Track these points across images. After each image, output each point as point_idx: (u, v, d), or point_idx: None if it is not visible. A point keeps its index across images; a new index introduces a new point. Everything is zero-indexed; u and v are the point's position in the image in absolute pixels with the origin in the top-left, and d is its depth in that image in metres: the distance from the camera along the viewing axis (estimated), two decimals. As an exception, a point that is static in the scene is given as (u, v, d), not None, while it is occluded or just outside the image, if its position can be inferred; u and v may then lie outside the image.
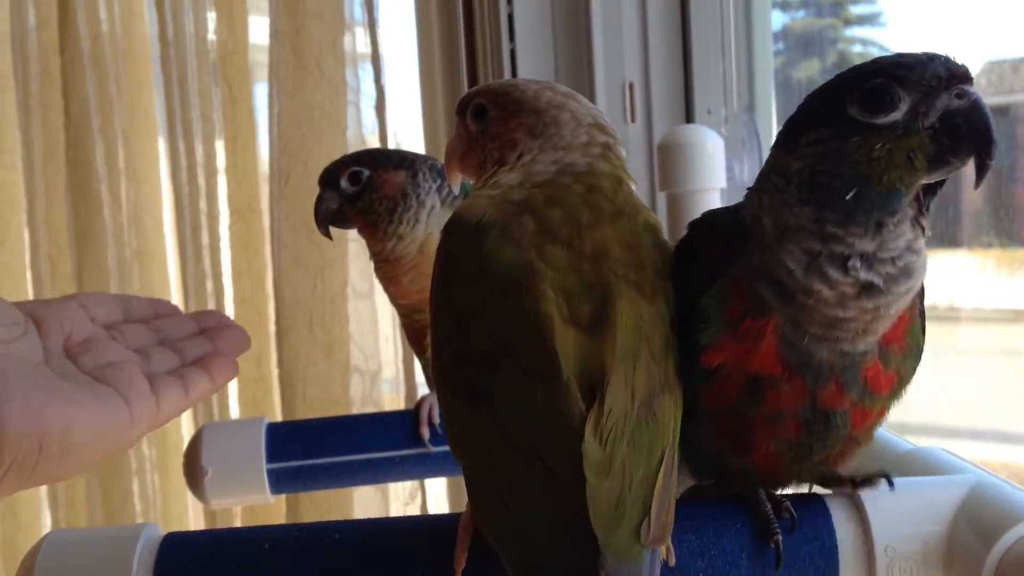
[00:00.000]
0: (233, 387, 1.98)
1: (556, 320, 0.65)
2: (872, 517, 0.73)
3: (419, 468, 1.12)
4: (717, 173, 1.29)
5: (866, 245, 0.65)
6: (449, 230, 0.73)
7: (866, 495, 0.74)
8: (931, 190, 0.67)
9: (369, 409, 1.87)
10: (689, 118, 1.52)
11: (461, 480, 1.72)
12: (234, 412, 1.98)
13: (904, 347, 0.71)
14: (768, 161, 0.71)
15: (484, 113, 0.79)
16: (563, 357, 0.65)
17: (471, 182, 0.83)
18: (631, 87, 1.53)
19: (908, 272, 0.66)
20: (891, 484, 0.73)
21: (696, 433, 0.73)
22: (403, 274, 1.10)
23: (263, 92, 1.98)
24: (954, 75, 0.64)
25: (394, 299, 1.15)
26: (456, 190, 0.87)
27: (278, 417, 1.93)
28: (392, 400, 1.96)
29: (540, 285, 0.67)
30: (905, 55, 0.65)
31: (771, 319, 0.67)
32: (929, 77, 0.64)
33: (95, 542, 0.72)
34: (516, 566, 0.65)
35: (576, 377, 0.65)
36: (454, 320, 0.69)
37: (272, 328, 1.98)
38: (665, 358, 0.69)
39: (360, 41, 1.81)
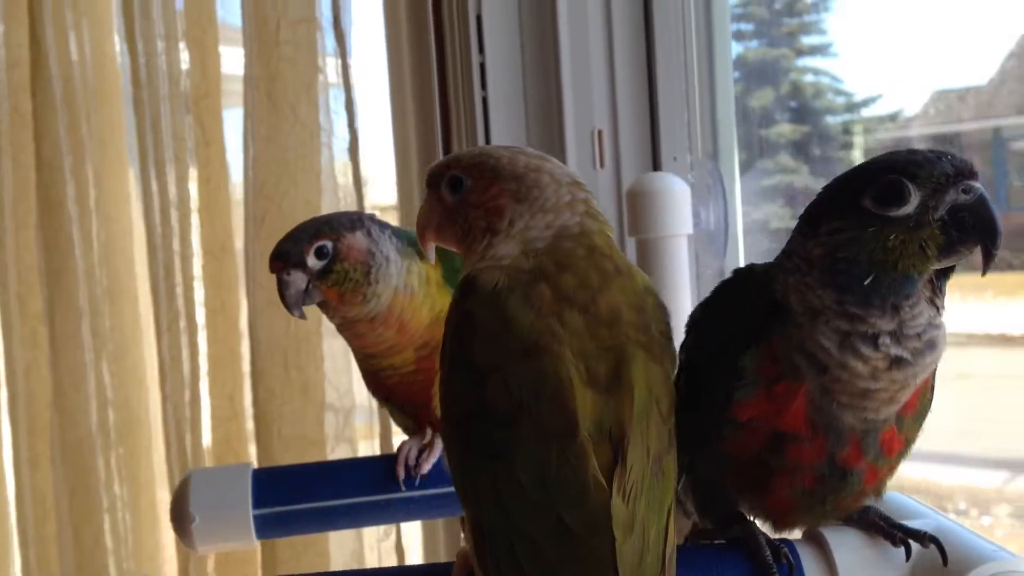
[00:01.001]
0: (207, 426, 2.00)
1: (575, 381, 0.70)
2: (839, 561, 0.78)
3: (402, 512, 1.15)
4: (684, 219, 1.34)
5: (886, 324, 0.71)
6: (464, 293, 0.76)
7: (831, 539, 0.79)
8: (943, 273, 0.73)
9: (343, 446, 1.89)
10: (656, 165, 1.57)
11: (436, 522, 1.75)
12: (208, 450, 1.99)
13: (916, 412, 0.77)
14: (790, 242, 0.77)
15: (459, 184, 0.81)
16: (581, 416, 0.69)
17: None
18: (600, 134, 1.57)
19: (932, 345, 0.73)
20: (943, 555, 0.76)
21: (712, 476, 0.78)
22: (372, 330, 1.11)
23: (235, 129, 2.02)
24: (960, 172, 0.70)
25: (356, 349, 1.16)
26: (431, 259, 0.89)
27: (253, 456, 1.95)
28: (365, 436, 1.98)
29: (559, 348, 0.71)
30: (916, 153, 0.72)
31: (803, 384, 0.73)
32: (938, 174, 0.70)
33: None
34: None
35: (592, 435, 0.70)
36: (471, 376, 0.72)
37: (246, 367, 2.00)
38: (669, 417, 0.74)
39: (333, 84, 1.85)
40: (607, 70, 1.58)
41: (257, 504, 1.11)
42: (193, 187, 1.97)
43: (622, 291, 0.76)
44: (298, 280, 1.08)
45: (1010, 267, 1.77)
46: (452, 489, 1.10)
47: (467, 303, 0.75)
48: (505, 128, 1.61)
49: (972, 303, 1.77)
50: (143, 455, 2.16)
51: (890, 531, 0.79)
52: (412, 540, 1.95)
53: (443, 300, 1.12)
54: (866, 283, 0.71)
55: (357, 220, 1.12)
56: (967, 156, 0.72)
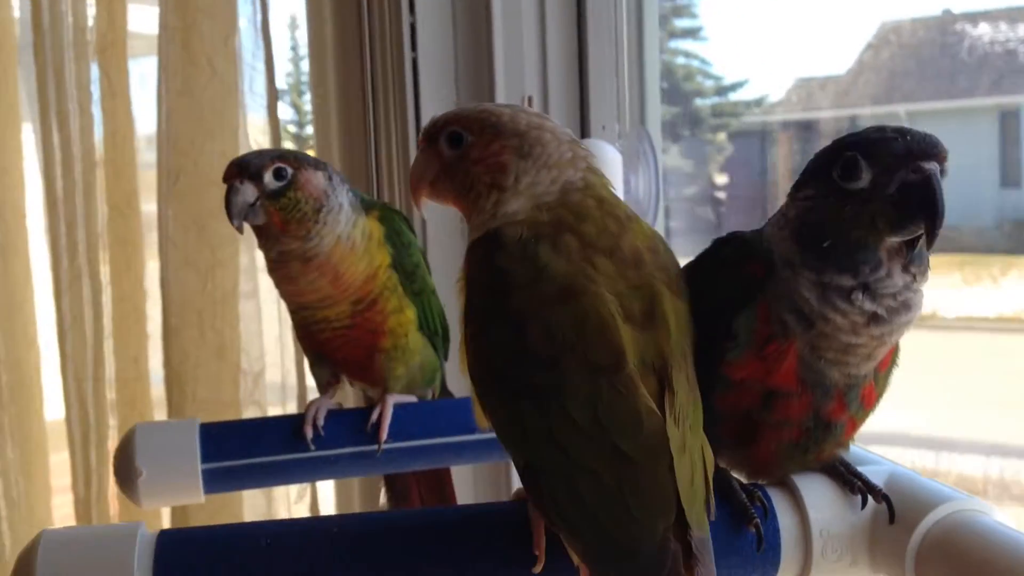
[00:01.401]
0: (111, 387, 1.94)
1: (617, 318, 0.73)
2: (808, 504, 0.83)
3: (354, 466, 1.15)
4: (616, 186, 1.37)
5: (845, 281, 0.76)
6: (489, 249, 0.77)
7: (800, 484, 0.84)
8: (911, 245, 0.76)
9: (252, 409, 1.87)
10: (584, 133, 1.60)
11: (351, 483, 1.74)
12: (112, 413, 1.93)
13: (887, 368, 0.83)
14: (781, 206, 0.83)
15: (460, 139, 0.82)
16: (627, 350, 0.72)
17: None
18: (530, 100, 1.59)
19: (908, 306, 0.77)
20: (891, 512, 0.81)
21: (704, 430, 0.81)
22: (307, 273, 1.11)
23: (142, 81, 1.95)
24: (912, 152, 0.74)
25: (286, 296, 1.16)
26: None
27: (163, 417, 1.90)
28: (278, 402, 1.96)
29: (596, 289, 0.74)
30: (882, 131, 0.76)
31: (793, 342, 0.77)
32: (887, 154, 0.75)
33: (92, 541, 0.73)
34: (590, 548, 0.71)
35: (637, 368, 0.73)
36: (509, 327, 0.74)
37: (151, 327, 1.95)
38: (691, 351, 0.78)
39: (252, 39, 1.81)
40: (539, 36, 1.59)
41: (206, 458, 1.10)
42: (99, 141, 1.90)
43: (638, 235, 0.79)
44: (247, 192, 1.08)
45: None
46: (414, 442, 1.13)
47: (496, 258, 0.76)
48: (435, 91, 1.61)
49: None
50: (35, 417, 2.07)
51: (849, 479, 0.84)
52: (326, 502, 1.94)
53: (381, 257, 1.14)
54: (824, 245, 0.77)
55: (323, 164, 1.12)
56: (932, 139, 0.75)
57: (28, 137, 2.06)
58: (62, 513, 2.11)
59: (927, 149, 0.75)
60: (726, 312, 0.80)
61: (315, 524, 0.77)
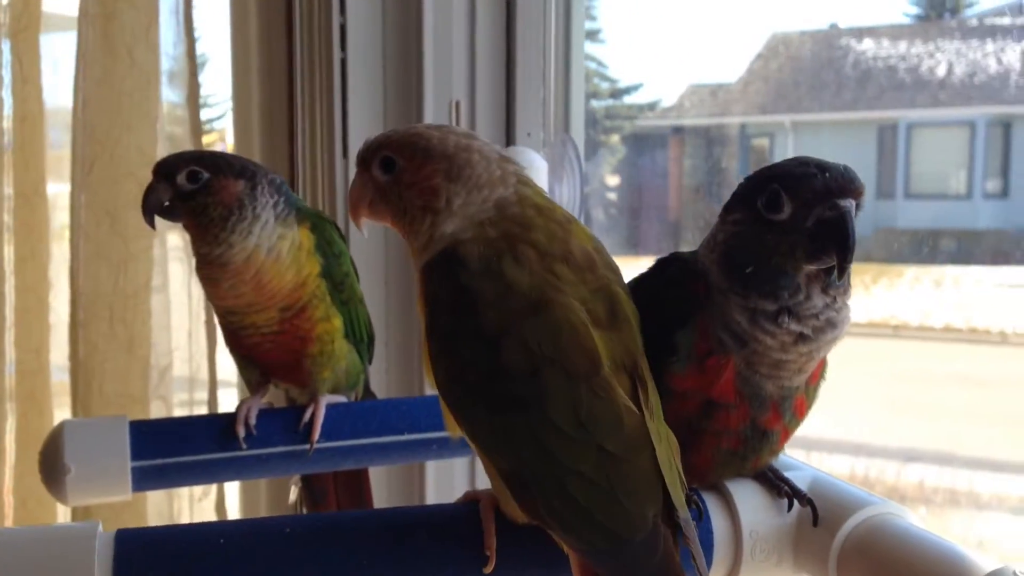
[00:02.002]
0: (10, 379, 1.88)
1: (588, 324, 0.77)
2: (740, 507, 0.88)
3: (285, 465, 1.15)
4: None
5: (768, 305, 0.81)
6: (450, 268, 0.79)
7: (731, 488, 0.89)
8: (828, 271, 0.81)
9: (157, 403, 1.84)
10: (510, 140, 1.62)
11: (258, 483, 1.73)
12: (10, 405, 1.88)
13: (817, 381, 0.88)
14: (713, 226, 0.87)
15: (391, 164, 0.84)
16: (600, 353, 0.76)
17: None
18: (457, 105, 1.61)
19: (832, 324, 0.82)
20: (815, 516, 0.87)
21: None
22: (225, 279, 1.12)
23: (55, 67, 1.90)
24: (830, 190, 0.79)
25: (212, 299, 1.17)
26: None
27: (65, 411, 1.86)
28: (186, 396, 1.94)
29: (564, 298, 0.77)
30: (806, 166, 0.80)
31: (731, 357, 0.82)
32: (807, 190, 0.79)
33: (50, 542, 0.72)
34: (586, 542, 0.75)
35: (608, 367, 0.77)
36: (481, 343, 0.76)
37: (54, 319, 1.91)
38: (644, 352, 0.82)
39: (173, 31, 1.79)
40: (468, 42, 1.61)
41: (136, 456, 1.09)
42: (7, 126, 1.84)
43: (581, 237, 0.83)
44: (161, 191, 1.12)
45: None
46: (345, 442, 1.14)
47: (460, 277, 0.78)
48: (363, 92, 1.62)
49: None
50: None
51: (777, 483, 0.90)
52: (232, 500, 1.93)
53: (311, 266, 1.15)
54: (747, 271, 0.82)
55: (251, 172, 1.12)
56: (852, 178, 0.80)
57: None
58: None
59: (844, 186, 0.79)
60: (668, 328, 0.84)
61: (268, 524, 0.78)
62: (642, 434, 0.76)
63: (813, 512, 0.87)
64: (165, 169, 1.11)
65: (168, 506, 1.91)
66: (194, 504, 1.91)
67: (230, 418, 1.14)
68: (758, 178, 0.83)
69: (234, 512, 1.91)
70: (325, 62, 1.62)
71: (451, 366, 0.79)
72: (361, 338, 1.22)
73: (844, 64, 3.20)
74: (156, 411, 1.84)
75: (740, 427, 0.85)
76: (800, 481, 0.90)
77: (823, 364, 0.88)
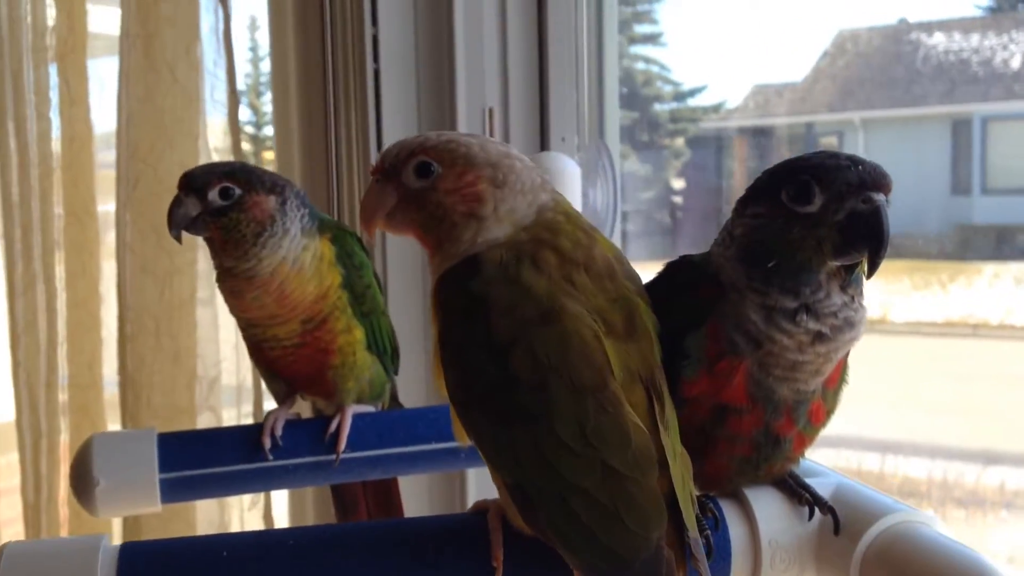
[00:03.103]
0: (63, 392, 1.92)
1: (600, 335, 0.75)
2: (758, 515, 0.85)
3: (312, 476, 1.16)
4: (575, 199, 1.39)
5: (788, 302, 0.78)
6: (465, 275, 0.78)
7: (750, 495, 0.87)
8: (849, 268, 0.79)
9: (207, 415, 1.87)
10: (544, 145, 1.62)
11: (305, 492, 1.74)
12: (64, 418, 1.92)
13: (836, 386, 0.85)
14: (725, 223, 0.84)
15: (428, 170, 0.82)
16: (612, 365, 0.75)
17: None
18: (491, 112, 1.61)
19: (850, 323, 0.79)
20: (836, 524, 0.84)
21: None
22: (249, 291, 1.11)
23: (102, 87, 1.94)
24: (864, 183, 0.77)
25: (234, 311, 1.17)
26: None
27: (116, 424, 1.90)
28: (233, 407, 1.96)
29: (577, 308, 0.75)
30: (835, 158, 0.78)
31: (743, 360, 0.79)
32: (842, 182, 0.77)
33: (56, 556, 0.73)
34: (587, 561, 0.73)
35: (624, 380, 0.75)
36: (490, 352, 0.75)
37: (105, 333, 1.94)
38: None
39: (214, 49, 1.81)
40: (500, 48, 1.61)
41: (163, 468, 1.10)
42: (56, 146, 1.89)
43: (604, 246, 0.82)
44: (190, 206, 1.10)
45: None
46: (372, 452, 1.14)
47: (472, 284, 0.77)
48: (397, 102, 1.62)
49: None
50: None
51: (797, 490, 0.87)
52: (280, 510, 1.94)
53: (331, 277, 1.14)
54: (769, 266, 0.79)
55: (280, 186, 1.12)
56: (883, 171, 0.78)
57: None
58: (8, 516, 2.09)
59: (877, 180, 0.77)
60: (679, 332, 0.82)
61: (273, 536, 0.78)
62: (650, 453, 0.74)
63: (834, 520, 0.84)
64: (195, 183, 1.10)
65: (219, 515, 1.93)
66: (244, 513, 1.93)
67: (257, 429, 1.15)
68: (783, 170, 0.80)
69: (282, 521, 1.93)
70: (358, 73, 1.63)
71: (461, 374, 0.78)
72: (384, 349, 1.22)
73: (914, 59, 3.13)
74: (205, 422, 1.86)
75: (753, 433, 0.82)
76: (823, 488, 0.88)
77: (842, 367, 0.85)
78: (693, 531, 0.75)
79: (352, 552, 0.78)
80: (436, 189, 0.81)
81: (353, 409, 1.18)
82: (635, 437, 0.74)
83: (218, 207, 1.09)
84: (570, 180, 1.39)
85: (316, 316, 1.14)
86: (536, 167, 0.85)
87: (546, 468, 0.73)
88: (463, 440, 0.81)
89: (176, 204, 1.11)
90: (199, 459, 1.12)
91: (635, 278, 0.83)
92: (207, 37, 1.80)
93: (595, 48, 1.66)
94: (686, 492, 0.77)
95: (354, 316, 1.16)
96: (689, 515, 0.76)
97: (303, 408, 1.26)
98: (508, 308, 0.76)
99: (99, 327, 1.95)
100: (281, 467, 1.14)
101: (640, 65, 2.87)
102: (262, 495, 1.88)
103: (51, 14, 1.87)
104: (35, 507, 1.93)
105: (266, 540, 0.77)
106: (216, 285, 1.15)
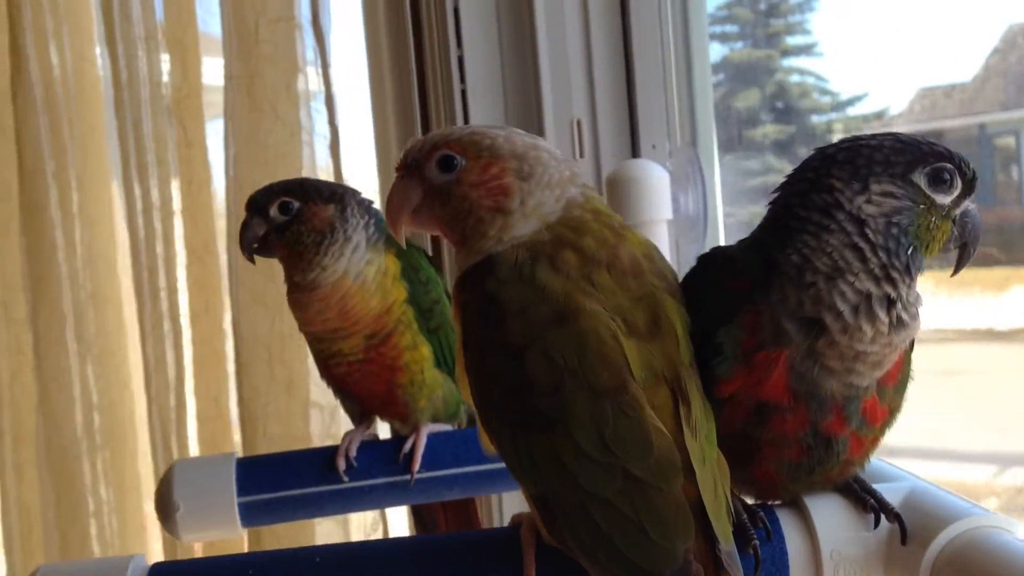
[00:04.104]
0: (192, 427, 1.99)
1: (619, 335, 0.72)
2: (818, 524, 0.79)
3: (388, 497, 1.16)
4: (664, 205, 1.35)
5: (905, 292, 0.75)
6: (480, 276, 0.76)
7: (811, 503, 0.80)
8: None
9: (329, 444, 1.89)
10: (635, 153, 1.58)
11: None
12: (194, 452, 1.99)
13: (896, 383, 0.79)
14: (815, 195, 0.76)
15: (452, 163, 0.78)
16: (632, 365, 0.71)
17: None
18: (579, 124, 1.59)
19: (915, 315, 0.76)
20: (903, 533, 0.78)
21: None
22: (314, 303, 1.13)
23: (216, 133, 2.02)
24: (974, 183, 0.76)
25: (301, 326, 1.18)
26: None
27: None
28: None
29: (594, 307, 0.72)
30: (949, 152, 0.76)
31: (784, 351, 0.74)
32: (969, 178, 0.76)
33: (86, 574, 0.74)
34: (609, 573, 0.69)
35: (647, 382, 0.72)
36: (506, 355, 0.72)
37: (231, 367, 2.00)
38: (694, 358, 0.76)
39: (313, 82, 1.86)
40: (585, 60, 1.59)
41: (242, 492, 1.11)
42: (175, 189, 1.97)
43: (634, 244, 0.78)
44: (256, 226, 1.14)
45: (997, 262, 1.78)
46: (448, 471, 1.13)
47: (486, 285, 0.75)
48: (485, 119, 1.62)
49: (960, 299, 1.78)
50: (128, 458, 2.15)
51: (863, 496, 0.80)
52: (399, 531, 1.95)
53: (396, 292, 1.15)
54: (909, 252, 0.74)
55: (339, 195, 1.14)
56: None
57: (117, 190, 2.16)
58: (153, 555, 2.17)
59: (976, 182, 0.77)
60: (710, 327, 0.77)
61: (299, 554, 0.77)
62: (674, 459, 0.70)
63: (901, 527, 0.77)
64: (257, 204, 1.14)
65: (344, 537, 1.95)
66: (368, 535, 1.94)
67: (333, 451, 1.15)
68: (911, 150, 0.75)
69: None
70: (447, 96, 1.64)
71: (479, 378, 0.76)
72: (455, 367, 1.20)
73: (1093, 51, 2.93)
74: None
75: (800, 434, 0.76)
76: (895, 492, 0.81)
77: (903, 362, 0.78)
78: (726, 543, 0.70)
79: (380, 569, 0.76)
80: (461, 183, 0.78)
81: (428, 428, 1.17)
82: (657, 442, 0.69)
83: (280, 223, 1.12)
84: (657, 187, 1.35)
85: (380, 331, 1.14)
86: (567, 160, 0.81)
87: (565, 476, 0.70)
88: (489, 450, 0.78)
89: (244, 227, 1.15)
90: (276, 482, 1.14)
91: (667, 275, 0.79)
92: (306, 72, 1.85)
93: (683, 52, 1.61)
94: (719, 501, 0.71)
95: (420, 332, 1.15)
96: (723, 525, 0.71)
97: (384, 431, 1.26)
98: (521, 309, 0.72)
99: (223, 362, 2.01)
100: (357, 488, 1.15)
101: (794, 78, 2.78)
102: (379, 518, 1.89)
103: (165, 60, 1.95)
104: (172, 543, 2.00)
105: (291, 558, 0.76)
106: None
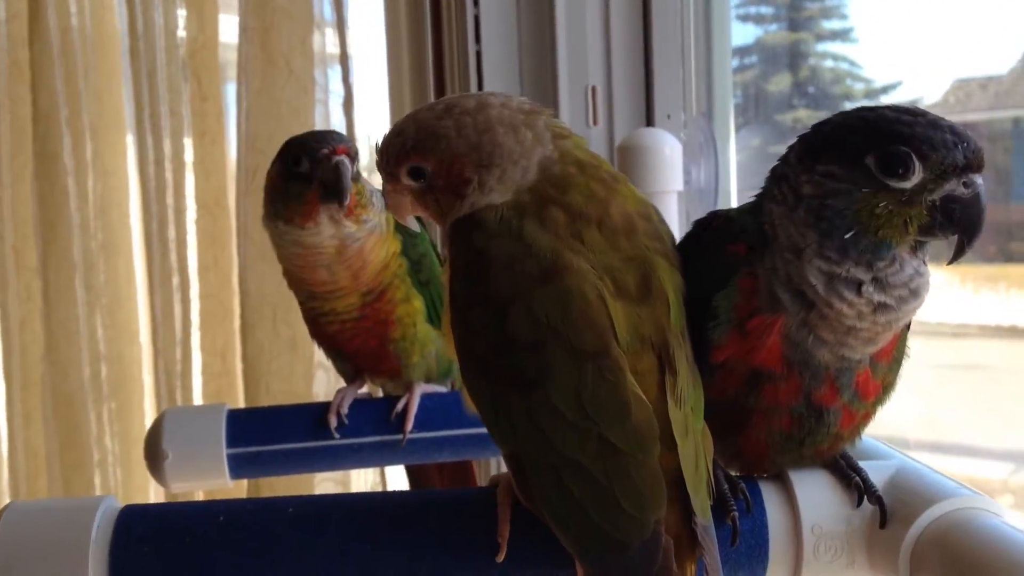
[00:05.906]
0: (197, 381, 2.00)
1: (605, 296, 0.69)
2: (801, 499, 0.77)
3: (379, 456, 1.15)
4: (675, 176, 1.33)
5: (862, 274, 0.71)
6: (468, 231, 0.74)
7: (795, 477, 0.79)
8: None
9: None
10: (649, 122, 1.56)
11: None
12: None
13: (891, 360, 0.76)
14: (780, 168, 0.75)
15: (420, 172, 0.77)
16: (617, 329, 0.69)
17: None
18: (594, 91, 1.56)
19: (916, 293, 0.72)
20: (883, 516, 0.76)
21: None
22: (339, 261, 1.10)
23: (233, 89, 2.00)
24: (969, 164, 0.69)
25: (298, 284, 1.16)
26: (416, 228, 0.89)
27: (242, 410, 1.95)
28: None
29: (581, 265, 0.70)
30: (937, 130, 0.69)
31: (779, 318, 0.72)
32: (948, 163, 0.69)
33: (55, 512, 0.74)
34: (578, 541, 0.69)
35: (632, 347, 0.70)
36: (489, 311, 0.71)
37: (237, 323, 2.00)
38: (687, 326, 0.74)
39: (329, 40, 1.84)
40: (602, 26, 1.56)
41: (231, 443, 1.11)
42: (188, 141, 1.96)
43: (628, 199, 0.75)
44: (355, 168, 1.09)
45: (1024, 258, 1.75)
46: (439, 433, 1.12)
47: (473, 240, 0.73)
48: (499, 83, 1.60)
49: (984, 295, 1.75)
50: (135, 410, 2.15)
51: (848, 473, 0.78)
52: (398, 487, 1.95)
53: (393, 245, 1.14)
54: (846, 237, 0.71)
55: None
56: (982, 146, 0.70)
57: (130, 140, 2.15)
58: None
59: (980, 160, 0.70)
60: (705, 291, 0.75)
61: (273, 503, 0.76)
62: (652, 428, 0.68)
63: (881, 509, 0.75)
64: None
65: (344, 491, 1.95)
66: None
67: (326, 407, 1.15)
68: (870, 131, 0.71)
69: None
70: (461, 56, 1.62)
71: (462, 334, 0.74)
72: None
73: None
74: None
75: (792, 404, 0.74)
76: (882, 471, 0.79)
77: (898, 340, 0.76)
78: (703, 517, 0.69)
79: (350, 523, 0.75)
80: (433, 187, 0.77)
81: (421, 388, 1.16)
82: (635, 410, 0.68)
83: (355, 172, 1.09)
84: (670, 157, 1.33)
85: (377, 287, 1.13)
86: (528, 116, 0.76)
87: (540, 438, 0.68)
88: (469, 407, 0.76)
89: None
90: (267, 435, 1.13)
91: (663, 236, 0.76)
92: (323, 30, 1.83)
93: (702, 22, 1.58)
94: (700, 474, 0.70)
95: (413, 286, 1.14)
96: (702, 499, 0.69)
97: (376, 391, 1.25)
98: (508, 263, 0.71)
99: (231, 317, 2.01)
100: (347, 446, 1.14)
101: (828, 63, 2.74)
102: (379, 478, 1.88)
103: (182, 15, 1.94)
104: (175, 495, 2.00)
105: (265, 507, 0.76)
106: (280, 262, 1.15)
